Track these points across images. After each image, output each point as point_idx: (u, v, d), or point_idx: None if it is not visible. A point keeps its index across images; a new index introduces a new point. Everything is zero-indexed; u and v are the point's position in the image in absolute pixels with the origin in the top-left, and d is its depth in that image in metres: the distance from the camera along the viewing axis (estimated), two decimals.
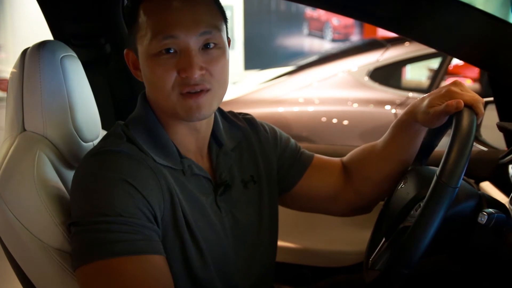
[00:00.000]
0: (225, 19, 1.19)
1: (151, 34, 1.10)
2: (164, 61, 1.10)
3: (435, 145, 1.32)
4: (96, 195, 1.05)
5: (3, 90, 6.10)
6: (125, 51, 1.22)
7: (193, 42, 1.10)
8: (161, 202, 1.11)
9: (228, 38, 1.21)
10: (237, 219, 1.26)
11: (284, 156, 1.40)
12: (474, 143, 1.08)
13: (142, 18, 1.12)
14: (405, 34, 1.54)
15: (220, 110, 1.35)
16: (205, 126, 1.24)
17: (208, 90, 1.12)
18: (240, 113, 1.43)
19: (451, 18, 1.35)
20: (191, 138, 1.22)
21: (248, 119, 1.41)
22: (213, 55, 1.13)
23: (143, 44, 1.12)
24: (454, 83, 1.18)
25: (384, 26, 1.47)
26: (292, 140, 1.45)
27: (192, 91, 1.11)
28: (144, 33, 1.11)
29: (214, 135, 1.29)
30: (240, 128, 1.36)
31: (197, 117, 1.13)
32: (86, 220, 1.04)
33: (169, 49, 1.10)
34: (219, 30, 1.14)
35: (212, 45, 1.12)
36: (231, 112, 1.40)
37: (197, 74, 1.09)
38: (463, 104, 1.10)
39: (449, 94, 1.15)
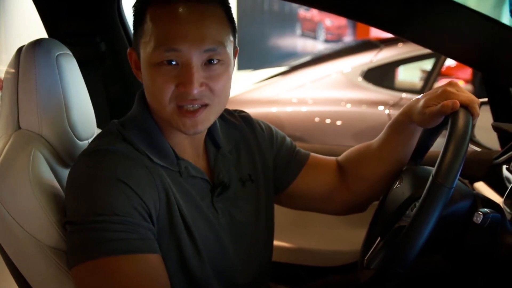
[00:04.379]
0: (234, 30, 1.17)
1: (155, 43, 1.08)
2: (164, 72, 1.08)
3: (430, 145, 1.32)
4: (91, 194, 1.05)
5: None
6: (128, 50, 1.21)
7: (196, 57, 1.08)
8: (157, 201, 1.11)
9: (235, 47, 1.20)
10: (234, 218, 1.26)
11: (280, 155, 1.40)
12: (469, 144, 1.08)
13: (148, 24, 1.10)
14: (399, 35, 1.54)
15: None
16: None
17: (206, 105, 1.11)
18: (235, 110, 1.42)
19: (445, 18, 1.35)
20: (186, 141, 1.22)
21: (244, 117, 1.40)
22: (216, 71, 1.11)
23: (146, 51, 1.10)
24: (450, 84, 1.18)
25: (379, 26, 1.47)
26: (288, 139, 1.45)
27: (190, 107, 1.09)
28: (148, 40, 1.09)
29: (211, 135, 1.29)
30: (236, 127, 1.36)
31: (192, 133, 1.13)
32: (81, 219, 1.04)
33: (171, 60, 1.08)
34: (224, 46, 1.11)
35: (215, 61, 1.10)
36: (226, 110, 1.39)
37: (196, 90, 1.07)
38: (459, 104, 1.11)
39: (445, 94, 1.15)
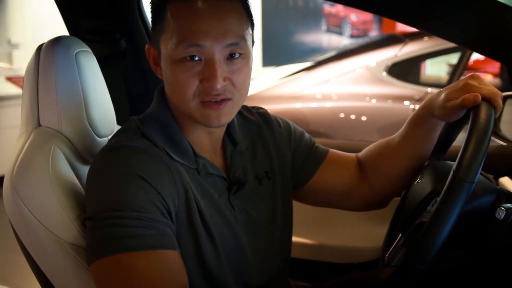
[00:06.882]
0: (252, 24, 1.17)
1: (177, 39, 1.08)
2: (187, 68, 1.09)
3: (452, 139, 1.30)
4: (111, 190, 1.06)
5: (20, 86, 6.16)
6: (146, 46, 1.21)
7: (219, 52, 1.08)
8: (175, 197, 1.11)
9: (253, 40, 1.19)
10: (251, 215, 1.25)
11: (298, 151, 1.40)
12: (494, 138, 1.06)
13: (169, 21, 1.10)
14: (423, 28, 1.52)
15: None
16: (220, 128, 1.23)
17: (229, 100, 1.12)
18: (253, 107, 1.42)
19: (467, 10, 1.33)
20: (206, 139, 1.22)
21: (261, 114, 1.40)
22: (238, 65, 1.11)
23: (167, 47, 1.10)
24: (472, 77, 1.16)
25: (402, 20, 1.45)
26: (307, 135, 1.44)
27: (212, 100, 1.10)
28: (169, 36, 1.09)
29: (229, 133, 1.29)
30: (254, 124, 1.36)
31: (216, 125, 1.13)
32: (100, 216, 1.04)
33: (194, 56, 1.08)
34: (245, 40, 1.12)
35: (237, 55, 1.11)
36: (244, 107, 1.40)
37: (220, 85, 1.08)
38: (480, 97, 1.08)
39: (466, 87, 1.13)
